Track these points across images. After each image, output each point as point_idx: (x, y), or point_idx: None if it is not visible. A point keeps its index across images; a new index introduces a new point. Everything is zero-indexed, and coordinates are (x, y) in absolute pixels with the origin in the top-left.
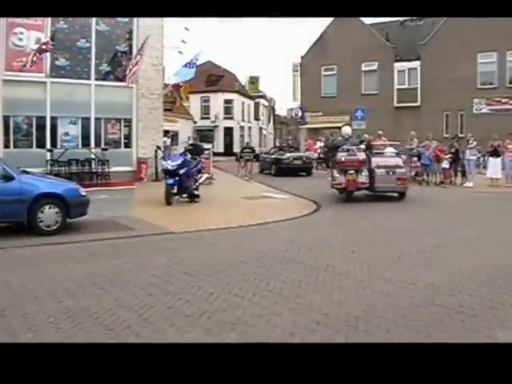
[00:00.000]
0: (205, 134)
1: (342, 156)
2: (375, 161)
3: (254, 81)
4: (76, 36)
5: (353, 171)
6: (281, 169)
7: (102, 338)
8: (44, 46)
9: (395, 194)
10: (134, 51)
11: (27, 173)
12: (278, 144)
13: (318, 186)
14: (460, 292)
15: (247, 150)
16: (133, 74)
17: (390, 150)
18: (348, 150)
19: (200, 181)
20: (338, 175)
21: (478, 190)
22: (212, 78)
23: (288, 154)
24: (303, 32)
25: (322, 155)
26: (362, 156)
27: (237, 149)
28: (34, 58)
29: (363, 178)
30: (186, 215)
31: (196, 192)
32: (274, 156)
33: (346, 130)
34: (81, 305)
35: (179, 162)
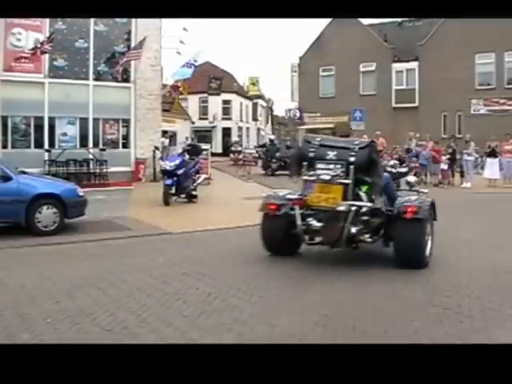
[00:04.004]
0: (203, 135)
1: None
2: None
3: (254, 81)
4: (74, 36)
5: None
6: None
7: (99, 339)
8: (41, 47)
9: None
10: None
11: (25, 173)
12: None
13: None
14: (458, 292)
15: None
16: (121, 65)
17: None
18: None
19: (198, 181)
20: None
21: (476, 191)
22: (213, 85)
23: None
24: (301, 32)
25: None
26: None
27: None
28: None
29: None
30: (184, 216)
31: (194, 192)
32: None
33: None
34: (78, 305)
35: (177, 162)
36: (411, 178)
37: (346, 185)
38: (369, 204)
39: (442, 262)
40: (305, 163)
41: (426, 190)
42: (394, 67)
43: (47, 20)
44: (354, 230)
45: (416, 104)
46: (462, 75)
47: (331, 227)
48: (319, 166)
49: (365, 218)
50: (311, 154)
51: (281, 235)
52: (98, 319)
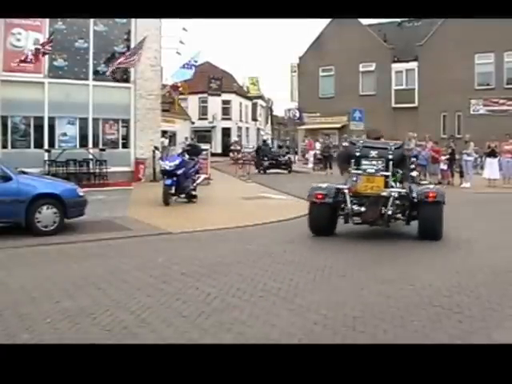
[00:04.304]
0: (202, 135)
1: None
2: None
3: (254, 82)
4: (74, 36)
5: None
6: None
7: (99, 339)
8: (42, 48)
9: None
10: (130, 51)
11: (25, 173)
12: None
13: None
14: (458, 292)
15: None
16: (117, 67)
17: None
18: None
19: (198, 181)
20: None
21: (475, 191)
22: (213, 85)
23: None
24: (301, 32)
25: (319, 156)
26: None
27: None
28: (33, 60)
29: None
30: (183, 216)
31: (194, 192)
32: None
33: None
34: (78, 305)
35: (177, 162)
36: (414, 173)
37: (387, 176)
38: (403, 190)
39: (441, 261)
40: (352, 160)
41: (426, 182)
42: (394, 67)
43: (47, 20)
44: (390, 211)
45: (415, 104)
46: (461, 75)
47: (372, 209)
48: (364, 162)
49: (397, 201)
50: (357, 153)
51: (325, 219)
52: (98, 319)
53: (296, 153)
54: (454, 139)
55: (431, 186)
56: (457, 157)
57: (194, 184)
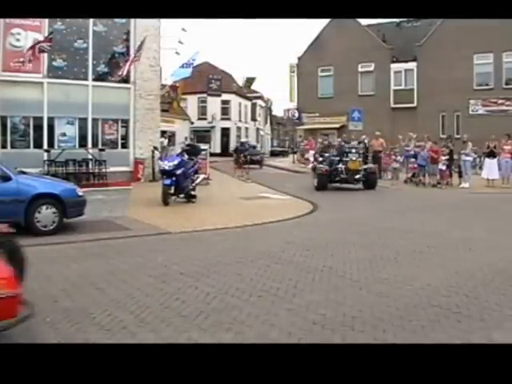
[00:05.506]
0: (202, 135)
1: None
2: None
3: (250, 81)
4: (73, 37)
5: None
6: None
7: (98, 339)
8: (41, 45)
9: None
10: (132, 52)
11: (24, 173)
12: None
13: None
14: (456, 293)
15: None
16: (124, 70)
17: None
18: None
19: (197, 181)
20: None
21: (474, 191)
22: (212, 86)
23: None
24: (300, 33)
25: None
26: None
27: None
28: (31, 57)
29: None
30: (182, 215)
31: (193, 192)
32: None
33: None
34: (77, 305)
35: (176, 162)
36: (369, 158)
37: (360, 161)
38: (365, 166)
39: (440, 261)
40: (344, 153)
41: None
42: (393, 67)
43: (46, 20)
44: (358, 176)
45: (414, 104)
46: (460, 75)
47: (351, 176)
48: (349, 154)
49: (363, 172)
50: (346, 150)
51: (325, 182)
52: (98, 319)
53: (295, 153)
54: (452, 139)
55: (372, 165)
56: (455, 157)
57: (193, 184)
